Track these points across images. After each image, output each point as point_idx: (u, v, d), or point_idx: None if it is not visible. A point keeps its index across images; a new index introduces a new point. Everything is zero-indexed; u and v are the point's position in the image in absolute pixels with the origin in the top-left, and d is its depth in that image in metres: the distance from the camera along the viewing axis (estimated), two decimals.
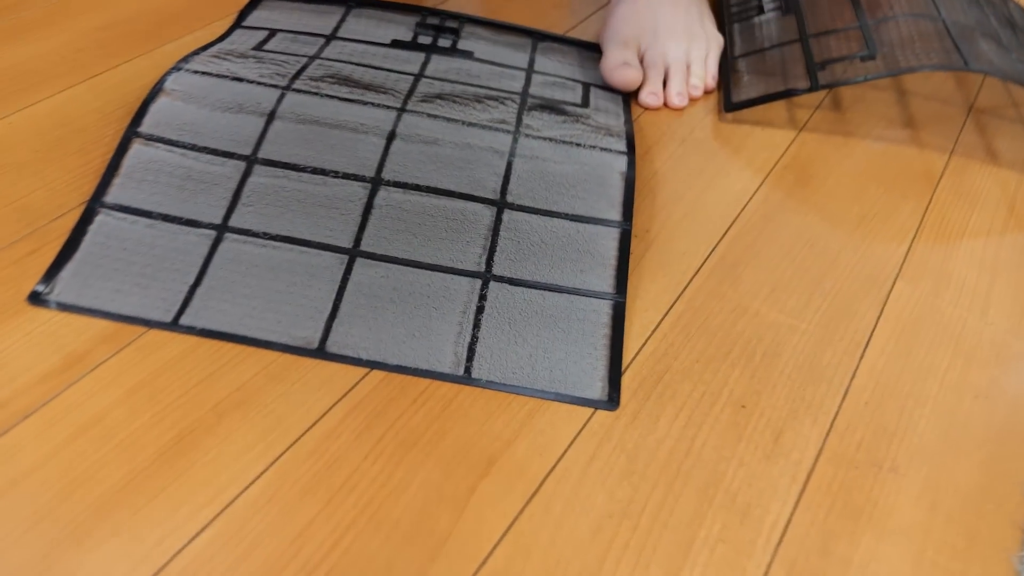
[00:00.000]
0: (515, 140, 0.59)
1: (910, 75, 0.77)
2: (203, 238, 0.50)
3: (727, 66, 0.71)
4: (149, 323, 0.45)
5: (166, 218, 0.50)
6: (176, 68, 0.59)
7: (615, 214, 0.56)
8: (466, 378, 0.46)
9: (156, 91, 0.57)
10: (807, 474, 0.45)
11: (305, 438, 0.42)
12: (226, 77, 0.59)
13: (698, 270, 0.55)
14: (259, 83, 0.59)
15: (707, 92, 0.70)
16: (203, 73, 0.59)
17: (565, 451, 0.44)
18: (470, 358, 0.46)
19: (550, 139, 0.60)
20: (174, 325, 0.45)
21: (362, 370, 0.46)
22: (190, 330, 0.45)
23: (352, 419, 0.44)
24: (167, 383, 0.43)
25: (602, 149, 0.60)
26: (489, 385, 0.45)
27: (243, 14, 0.70)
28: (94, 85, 0.61)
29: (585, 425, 0.45)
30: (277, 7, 0.71)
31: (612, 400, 0.46)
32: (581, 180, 0.57)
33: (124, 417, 0.42)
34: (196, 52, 0.62)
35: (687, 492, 0.43)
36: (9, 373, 0.43)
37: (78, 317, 0.46)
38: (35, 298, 0.46)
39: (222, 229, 0.50)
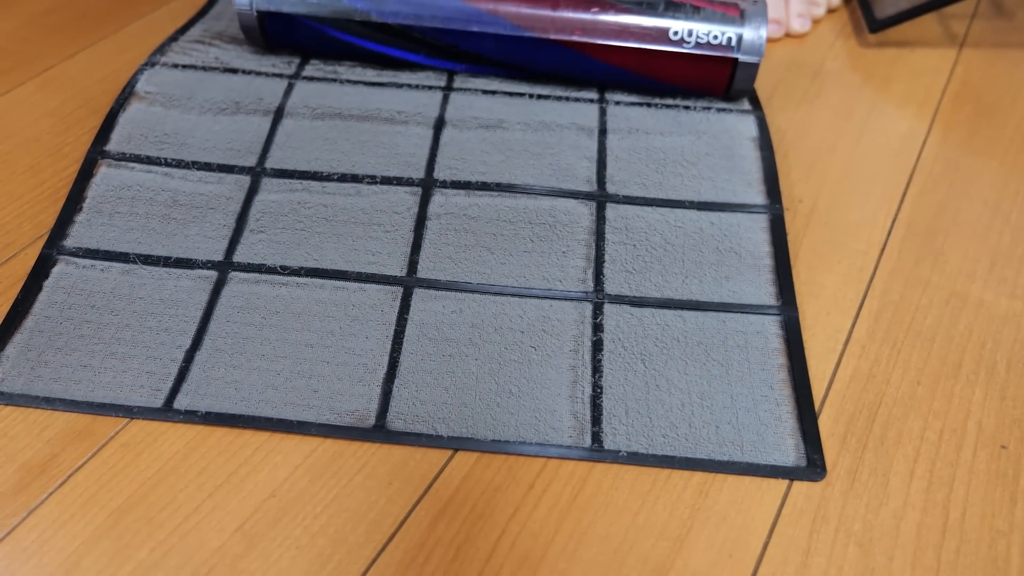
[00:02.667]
0: (603, 111, 0.44)
1: None
2: (200, 282, 0.35)
3: None
4: (131, 411, 0.31)
5: (148, 260, 0.36)
6: (149, 64, 0.44)
7: (757, 194, 0.40)
8: (597, 450, 0.31)
9: (125, 96, 0.42)
10: None
11: (379, 564, 0.28)
12: (215, 69, 0.44)
13: (884, 247, 0.39)
14: (259, 73, 0.44)
15: (831, 11, 0.54)
16: (185, 67, 0.44)
17: (765, 548, 0.29)
18: (597, 420, 0.32)
19: (647, 104, 0.44)
20: (167, 411, 0.31)
21: (444, 451, 0.31)
22: (190, 416, 0.31)
23: (444, 526, 0.29)
24: (167, 498, 0.29)
25: (718, 110, 0.44)
26: (632, 459, 0.31)
27: None
28: (45, 82, 0.47)
29: (784, 501, 0.30)
30: None
31: (814, 464, 0.31)
32: (702, 155, 0.42)
33: (109, 556, 0.28)
34: (173, 37, 0.47)
35: None
36: None
37: (32, 411, 0.32)
38: None
39: (225, 267, 0.36)
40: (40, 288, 0.35)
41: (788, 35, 0.52)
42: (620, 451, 0.31)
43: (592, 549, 0.29)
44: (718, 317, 0.35)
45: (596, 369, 0.33)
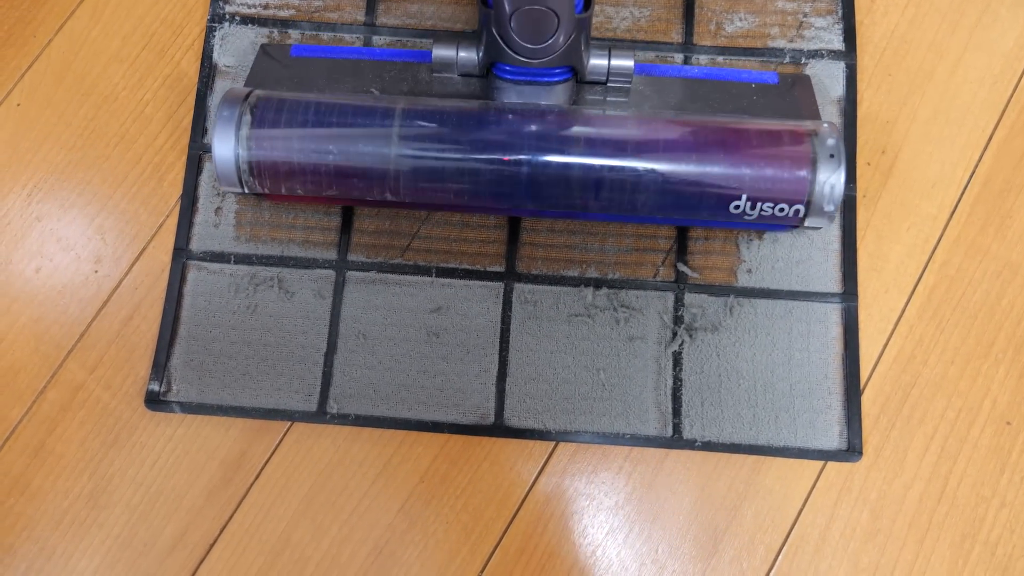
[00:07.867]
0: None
1: None
2: (322, 283, 0.39)
3: None
4: (293, 415, 0.38)
5: (269, 261, 0.39)
6: (216, 18, 0.41)
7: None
8: (677, 440, 0.38)
9: (208, 73, 0.41)
10: None
11: (511, 532, 0.38)
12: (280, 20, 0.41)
13: (953, 211, 0.41)
14: None
15: None
16: (253, 21, 0.41)
17: (799, 513, 0.38)
18: (677, 411, 0.38)
19: (731, 49, 0.41)
20: (322, 415, 0.38)
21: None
22: (343, 419, 0.38)
23: (556, 502, 0.38)
24: (341, 485, 0.38)
25: (807, 56, 0.41)
26: (705, 447, 0.38)
27: None
28: (96, 8, 0.43)
29: (820, 475, 0.39)
30: None
31: (853, 450, 0.38)
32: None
33: (311, 534, 0.38)
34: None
35: (940, 549, 0.38)
36: (176, 490, 0.38)
37: (210, 417, 0.39)
38: (154, 402, 0.38)
39: (341, 267, 0.39)
40: (182, 295, 0.39)
41: None
42: (696, 440, 0.38)
43: (668, 518, 0.38)
44: (786, 306, 0.39)
45: (677, 362, 0.39)
